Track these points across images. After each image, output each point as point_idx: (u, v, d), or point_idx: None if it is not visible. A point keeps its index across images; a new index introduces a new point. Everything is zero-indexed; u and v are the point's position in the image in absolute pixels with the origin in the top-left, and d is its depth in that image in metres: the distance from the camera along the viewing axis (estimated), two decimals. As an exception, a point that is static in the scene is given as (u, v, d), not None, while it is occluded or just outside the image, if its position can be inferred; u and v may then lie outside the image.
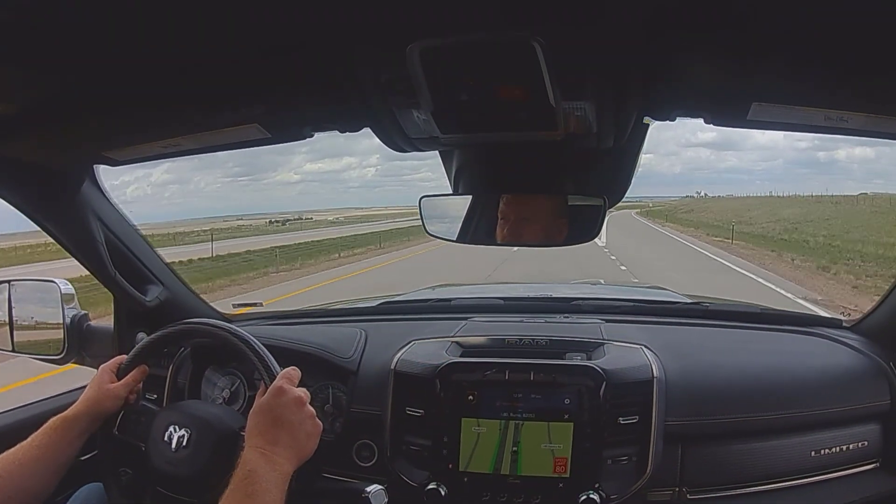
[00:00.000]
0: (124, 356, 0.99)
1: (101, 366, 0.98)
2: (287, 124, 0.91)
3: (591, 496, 0.94)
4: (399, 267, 14.02)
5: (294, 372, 0.87)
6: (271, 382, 0.85)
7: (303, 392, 0.84)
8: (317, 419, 0.84)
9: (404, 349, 1.12)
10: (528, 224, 1.05)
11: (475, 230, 1.08)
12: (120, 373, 0.97)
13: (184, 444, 0.87)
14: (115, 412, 0.95)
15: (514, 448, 0.99)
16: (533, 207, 1.05)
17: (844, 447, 1.01)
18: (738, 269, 12.17)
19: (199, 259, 16.07)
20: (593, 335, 1.14)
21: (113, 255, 1.20)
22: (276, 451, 0.77)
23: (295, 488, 0.78)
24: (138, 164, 1.07)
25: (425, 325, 1.26)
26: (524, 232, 1.05)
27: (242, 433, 0.84)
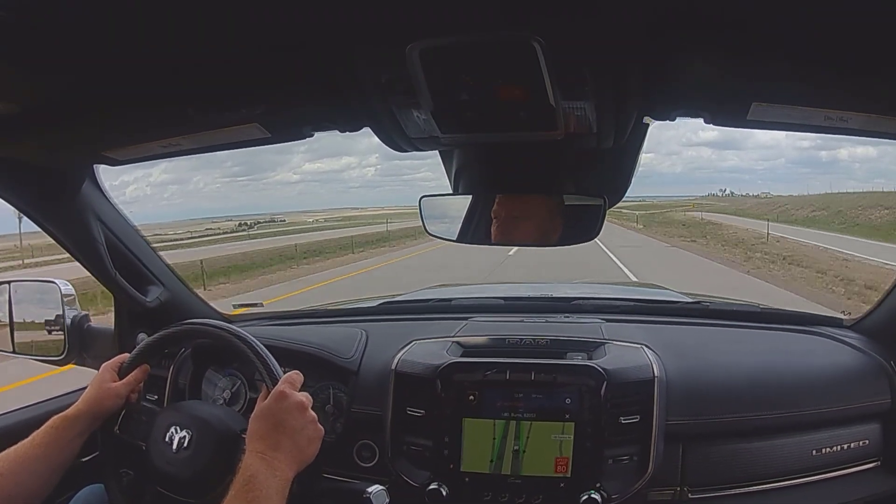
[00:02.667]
0: (126, 355, 0.99)
1: (103, 364, 0.98)
2: (287, 124, 0.91)
3: (593, 496, 0.94)
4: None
5: (296, 376, 0.87)
6: (273, 386, 0.85)
7: (305, 397, 0.84)
8: (318, 424, 0.84)
9: (405, 349, 1.12)
10: (521, 222, 1.04)
11: (475, 230, 1.08)
12: (122, 372, 0.97)
13: (185, 445, 0.87)
14: (116, 411, 0.95)
15: (516, 448, 0.99)
16: (525, 206, 1.05)
17: (845, 446, 1.01)
18: None
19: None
20: (594, 335, 1.14)
21: (113, 255, 1.20)
22: (277, 457, 0.77)
23: (296, 489, 0.78)
24: (137, 164, 1.07)
25: (426, 326, 1.26)
26: (516, 231, 1.05)
27: (243, 435, 0.84)
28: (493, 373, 1.02)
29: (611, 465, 0.97)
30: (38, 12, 0.57)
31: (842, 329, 1.19)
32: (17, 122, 0.84)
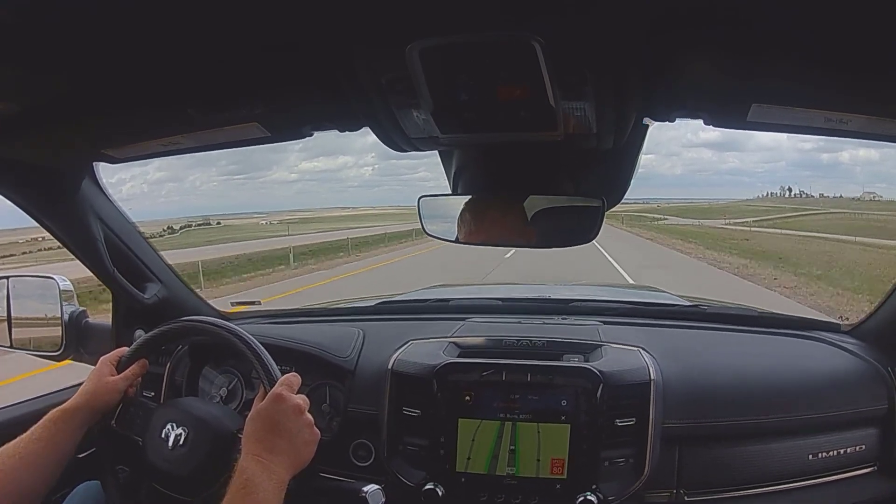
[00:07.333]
0: (125, 349, 1.00)
1: (102, 358, 0.98)
2: (286, 123, 0.91)
3: (589, 497, 0.94)
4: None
5: (294, 378, 0.87)
6: (271, 387, 0.85)
7: (302, 399, 0.84)
8: (315, 427, 0.84)
9: (402, 349, 1.12)
10: (520, 223, 1.05)
11: (474, 231, 1.08)
12: (120, 366, 0.97)
13: (181, 442, 0.87)
14: (113, 405, 0.95)
15: (511, 448, 0.99)
16: (524, 206, 1.05)
17: (842, 451, 1.01)
18: None
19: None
20: (591, 337, 1.14)
21: (112, 252, 1.20)
22: (273, 459, 0.77)
23: (292, 488, 0.78)
24: (135, 162, 1.07)
25: (423, 326, 1.26)
26: (515, 232, 1.04)
27: (239, 434, 0.84)
28: (490, 374, 1.02)
29: (607, 466, 0.97)
30: (38, 12, 0.57)
31: (839, 334, 1.19)
32: (17, 120, 0.84)
